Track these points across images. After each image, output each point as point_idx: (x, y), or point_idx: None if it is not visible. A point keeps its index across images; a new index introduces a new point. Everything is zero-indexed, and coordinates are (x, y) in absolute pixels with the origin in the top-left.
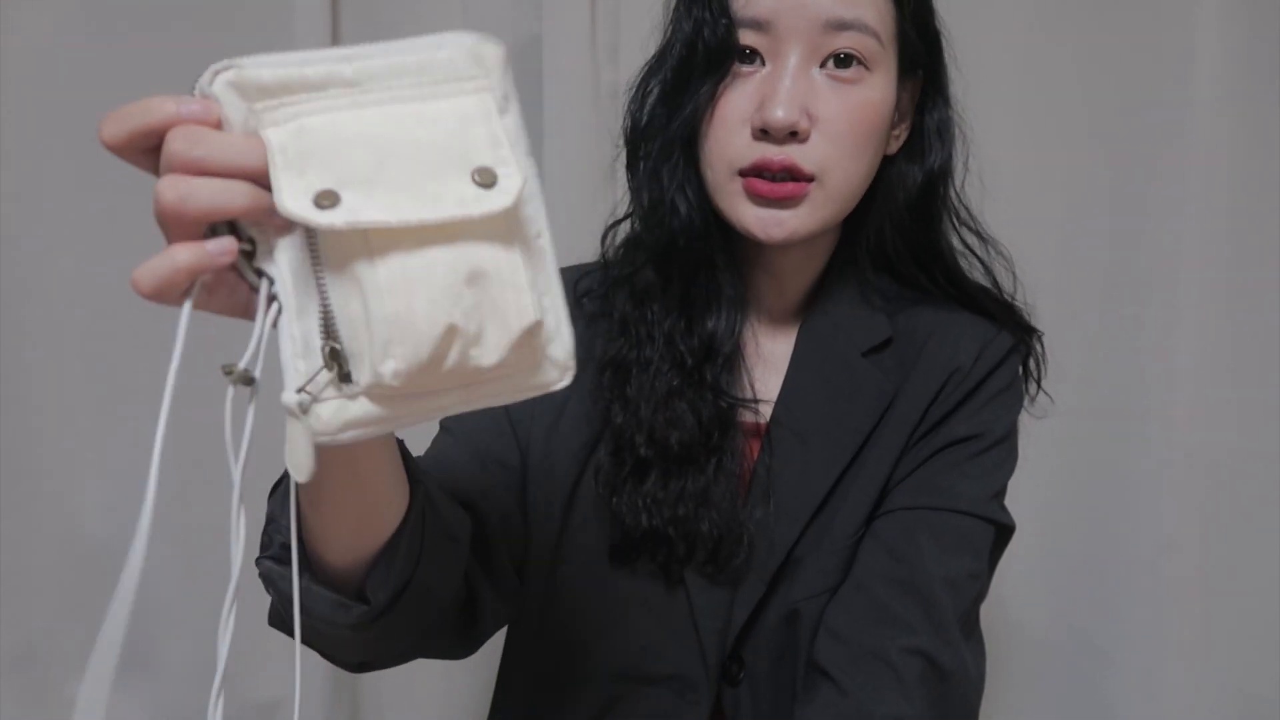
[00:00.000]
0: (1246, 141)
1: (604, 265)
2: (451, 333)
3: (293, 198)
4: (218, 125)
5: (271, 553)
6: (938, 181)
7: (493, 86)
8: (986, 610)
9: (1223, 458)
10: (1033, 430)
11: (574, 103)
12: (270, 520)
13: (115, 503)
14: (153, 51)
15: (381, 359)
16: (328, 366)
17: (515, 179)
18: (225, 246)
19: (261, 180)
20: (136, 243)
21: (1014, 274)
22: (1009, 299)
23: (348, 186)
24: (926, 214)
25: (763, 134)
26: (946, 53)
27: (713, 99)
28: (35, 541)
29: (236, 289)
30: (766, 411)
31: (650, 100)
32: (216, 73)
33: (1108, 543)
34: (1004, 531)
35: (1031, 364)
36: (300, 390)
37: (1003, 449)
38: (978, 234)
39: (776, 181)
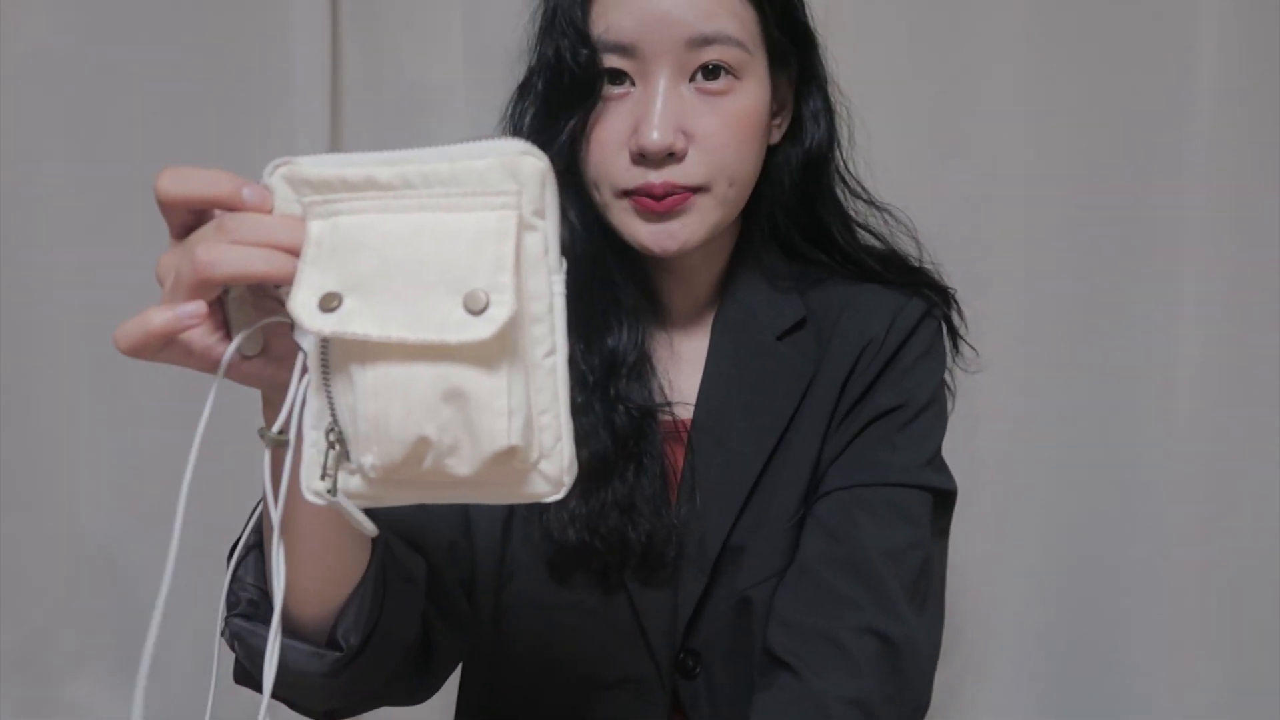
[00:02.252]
0: (1247, 141)
1: None
2: (423, 443)
3: (302, 295)
4: (269, 214)
5: (240, 610)
6: (820, 161)
7: (522, 204)
8: (986, 610)
9: (1223, 457)
10: (1034, 430)
11: None
12: (235, 579)
13: (115, 503)
14: (153, 52)
15: (362, 452)
16: (330, 445)
17: (505, 309)
18: (194, 310)
19: (294, 253)
20: (137, 243)
21: (915, 239)
22: (915, 263)
23: (352, 291)
24: (812, 193)
25: (641, 158)
26: (816, 28)
27: (587, 124)
28: (35, 541)
29: (212, 349)
30: (688, 410)
31: (525, 125)
32: (275, 167)
33: (1108, 543)
34: (943, 496)
35: (954, 320)
36: (323, 475)
37: (929, 415)
38: (870, 203)
39: (659, 198)
